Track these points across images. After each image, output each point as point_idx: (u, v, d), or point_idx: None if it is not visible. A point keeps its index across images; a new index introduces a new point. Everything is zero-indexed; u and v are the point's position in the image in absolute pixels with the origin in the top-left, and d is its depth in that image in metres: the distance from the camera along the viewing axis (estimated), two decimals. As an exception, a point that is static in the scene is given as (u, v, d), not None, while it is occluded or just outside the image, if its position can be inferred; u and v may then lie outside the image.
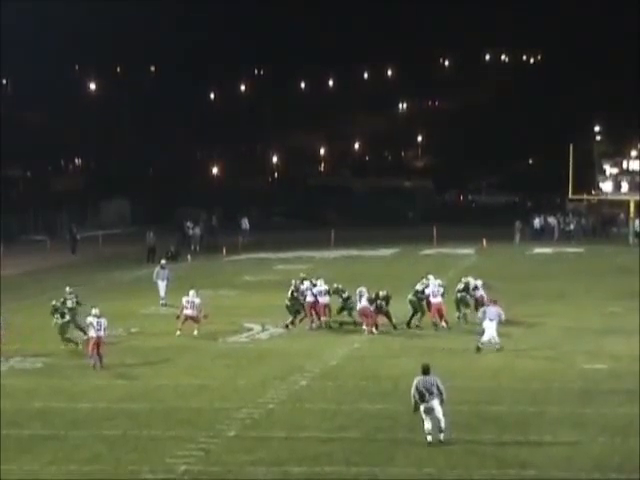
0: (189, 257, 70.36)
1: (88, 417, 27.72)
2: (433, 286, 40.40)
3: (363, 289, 40.88)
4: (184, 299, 40.25)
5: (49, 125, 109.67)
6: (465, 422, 26.64)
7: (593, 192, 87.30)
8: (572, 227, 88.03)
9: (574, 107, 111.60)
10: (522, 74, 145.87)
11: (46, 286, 55.59)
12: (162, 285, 47.83)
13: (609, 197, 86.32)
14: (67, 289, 39.98)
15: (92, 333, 34.87)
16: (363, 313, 40.28)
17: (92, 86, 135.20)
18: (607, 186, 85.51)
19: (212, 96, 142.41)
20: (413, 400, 24.37)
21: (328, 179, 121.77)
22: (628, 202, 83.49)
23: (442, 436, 24.10)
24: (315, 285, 41.64)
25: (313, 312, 40.96)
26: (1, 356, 35.30)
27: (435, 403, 24.13)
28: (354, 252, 66.30)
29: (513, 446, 24.49)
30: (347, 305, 41.72)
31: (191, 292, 40.46)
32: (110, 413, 28.06)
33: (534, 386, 30.60)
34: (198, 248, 76.38)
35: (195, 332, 39.67)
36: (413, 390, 24.37)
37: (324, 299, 41.19)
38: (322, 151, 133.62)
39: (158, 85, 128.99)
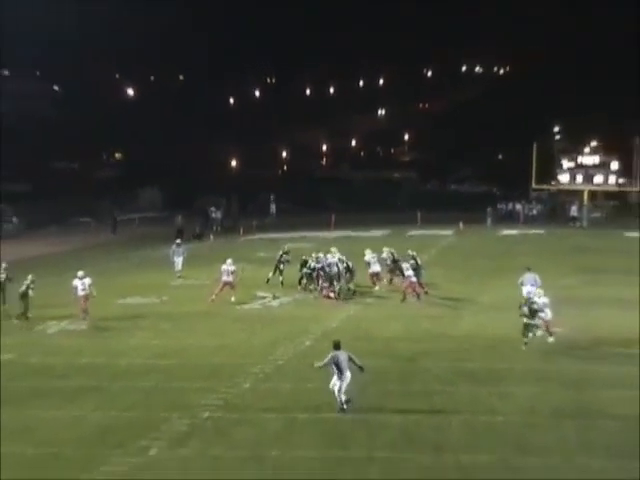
0: (211, 237, 70.46)
1: (126, 371, 27.78)
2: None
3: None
4: (223, 267, 40.26)
5: (94, 124, 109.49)
6: (444, 376, 26.69)
7: (553, 183, 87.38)
8: (535, 212, 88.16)
9: (537, 111, 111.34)
10: (493, 83, 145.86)
11: (90, 261, 55.58)
12: (178, 260, 47.64)
13: (566, 187, 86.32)
14: (2, 265, 38.94)
15: (80, 292, 35.99)
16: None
17: (130, 92, 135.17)
18: (564, 178, 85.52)
19: (231, 100, 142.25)
20: (323, 363, 23.44)
21: (329, 171, 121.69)
22: (582, 191, 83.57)
23: (344, 397, 23.00)
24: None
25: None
26: (81, 315, 35.95)
27: (347, 375, 23.04)
28: (351, 233, 66.25)
29: (484, 396, 24.52)
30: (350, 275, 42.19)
31: (228, 261, 40.47)
32: (145, 368, 28.11)
33: (503, 346, 30.61)
34: (219, 229, 76.34)
35: (232, 298, 39.72)
36: (329, 361, 23.23)
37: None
38: (324, 147, 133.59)
39: (185, 91, 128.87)
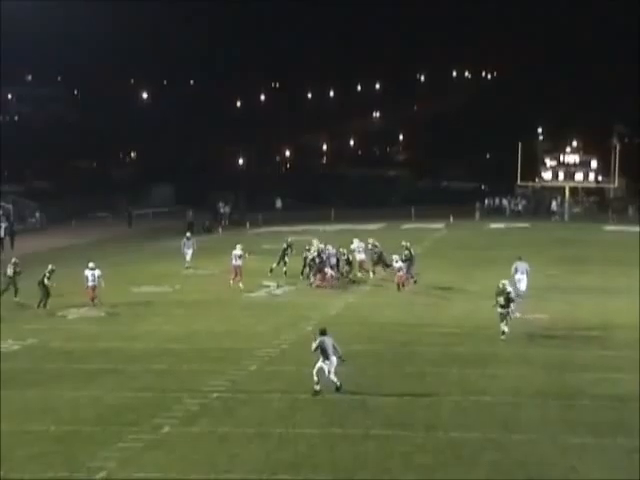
0: (220, 230, 70.47)
1: (141, 354, 27.75)
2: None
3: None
4: (233, 252, 40.52)
5: (111, 126, 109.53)
6: (435, 359, 26.68)
7: (536, 180, 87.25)
8: (520, 207, 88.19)
9: (523, 113, 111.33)
10: (482, 87, 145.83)
11: (107, 252, 55.57)
12: (188, 252, 47.23)
13: (549, 184, 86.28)
14: (13, 260, 38.38)
15: (89, 283, 36.04)
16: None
17: (144, 95, 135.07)
18: (547, 175, 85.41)
19: (238, 103, 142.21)
20: (313, 347, 23.28)
21: (329, 169, 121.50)
22: (564, 188, 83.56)
23: (338, 382, 22.87)
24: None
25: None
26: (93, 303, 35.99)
27: (333, 359, 22.90)
28: (349, 226, 66.14)
29: (473, 378, 24.51)
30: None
31: (238, 246, 40.61)
32: (158, 352, 28.08)
33: (490, 331, 30.55)
34: (227, 223, 76.34)
35: (241, 285, 39.85)
36: (316, 346, 23.12)
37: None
38: (325, 147, 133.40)
39: (196, 95, 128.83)
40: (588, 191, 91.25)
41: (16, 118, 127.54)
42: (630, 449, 18.96)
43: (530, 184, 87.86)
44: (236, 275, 40.26)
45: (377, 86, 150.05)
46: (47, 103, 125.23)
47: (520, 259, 38.27)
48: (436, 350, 27.91)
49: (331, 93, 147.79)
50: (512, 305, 29.55)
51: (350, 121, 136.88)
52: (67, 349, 28.69)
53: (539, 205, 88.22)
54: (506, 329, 29.12)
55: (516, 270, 37.61)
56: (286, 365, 25.83)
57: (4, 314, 33.82)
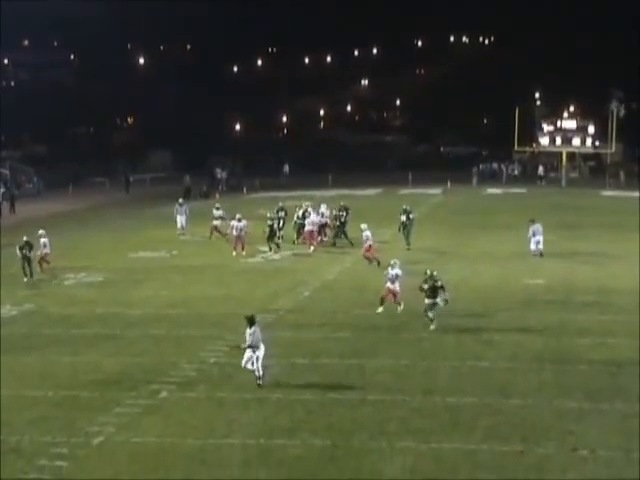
0: (217, 195, 70.34)
1: (139, 320, 27.75)
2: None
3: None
4: (232, 222, 40.58)
5: (108, 91, 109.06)
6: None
7: (534, 145, 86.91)
8: (517, 172, 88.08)
9: (520, 78, 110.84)
10: (480, 52, 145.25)
11: (105, 218, 55.59)
12: (180, 219, 46.82)
13: (546, 149, 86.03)
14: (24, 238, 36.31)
15: (42, 250, 35.54)
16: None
17: (142, 61, 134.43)
18: (544, 140, 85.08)
19: (235, 69, 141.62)
20: (245, 345, 21.14)
21: (327, 135, 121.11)
22: (561, 153, 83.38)
23: (260, 381, 20.86)
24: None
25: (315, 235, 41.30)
26: (61, 273, 35.41)
27: (260, 353, 20.93)
28: (346, 192, 66.00)
29: (470, 344, 24.52)
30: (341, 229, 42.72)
31: (237, 215, 40.55)
32: (156, 317, 28.08)
33: (486, 297, 30.59)
34: (225, 188, 76.27)
35: (234, 253, 39.68)
36: (248, 337, 21.07)
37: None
38: (322, 112, 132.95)
39: (194, 60, 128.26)
40: (585, 156, 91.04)
41: (13, 84, 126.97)
42: (627, 414, 18.98)
43: (527, 149, 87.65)
44: (237, 244, 40.03)
45: (375, 52, 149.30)
46: (44, 69, 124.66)
47: (533, 221, 38.93)
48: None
49: (329, 59, 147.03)
50: (440, 298, 26.14)
51: (348, 87, 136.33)
52: (65, 314, 28.68)
53: (535, 171, 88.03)
54: (431, 315, 26.04)
55: (534, 233, 38.45)
56: (283, 330, 25.81)
57: (1, 280, 33.74)
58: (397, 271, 28.02)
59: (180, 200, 48.91)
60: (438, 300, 26.11)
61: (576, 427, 18.26)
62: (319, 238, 42.44)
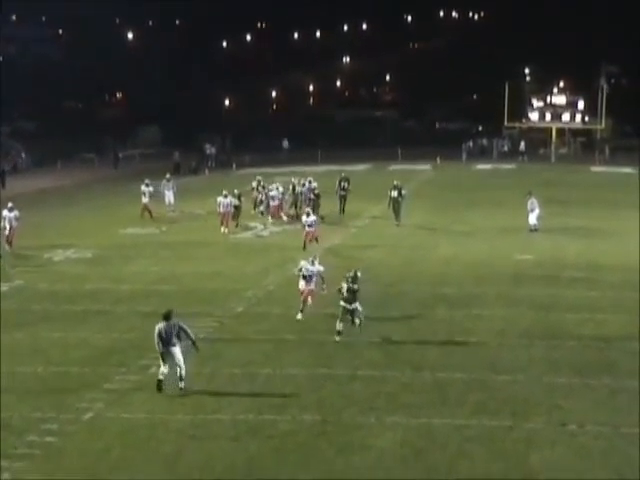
0: (207, 171, 70.35)
1: (128, 296, 27.75)
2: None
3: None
4: (218, 199, 40.39)
5: (96, 67, 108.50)
6: (422, 300, 26.76)
7: (524, 121, 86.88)
8: (506, 149, 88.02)
9: (510, 54, 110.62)
10: (469, 27, 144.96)
11: (93, 194, 55.48)
12: (168, 194, 46.61)
13: (536, 125, 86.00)
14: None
15: (10, 223, 35.32)
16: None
17: (130, 36, 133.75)
18: (534, 116, 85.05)
19: (224, 44, 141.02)
20: (157, 347, 19.15)
21: (316, 110, 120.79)
22: (550, 129, 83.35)
23: (181, 384, 19.01)
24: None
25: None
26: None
27: (176, 350, 19.00)
28: (336, 167, 65.81)
29: (460, 319, 24.60)
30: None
31: (224, 192, 40.48)
32: (145, 293, 28.08)
33: (476, 272, 30.68)
34: (214, 164, 76.14)
35: (222, 230, 39.61)
36: (156, 337, 19.14)
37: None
38: (311, 88, 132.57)
39: (183, 35, 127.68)
40: (576, 132, 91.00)
41: (1, 59, 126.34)
42: (615, 389, 19.08)
43: (517, 125, 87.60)
44: (227, 223, 39.94)
45: (364, 27, 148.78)
46: (32, 44, 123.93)
47: (530, 194, 39.46)
48: (423, 290, 27.98)
49: (317, 34, 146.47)
50: (358, 304, 22.85)
51: (337, 63, 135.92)
52: (54, 290, 28.66)
53: (526, 146, 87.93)
54: (341, 328, 22.57)
55: (532, 207, 38.82)
56: (273, 306, 25.85)
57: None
58: (317, 267, 25.07)
59: (167, 176, 48.75)
60: (357, 306, 22.68)
61: (565, 402, 18.36)
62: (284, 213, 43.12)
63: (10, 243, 35.33)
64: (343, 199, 44.49)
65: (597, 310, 25.34)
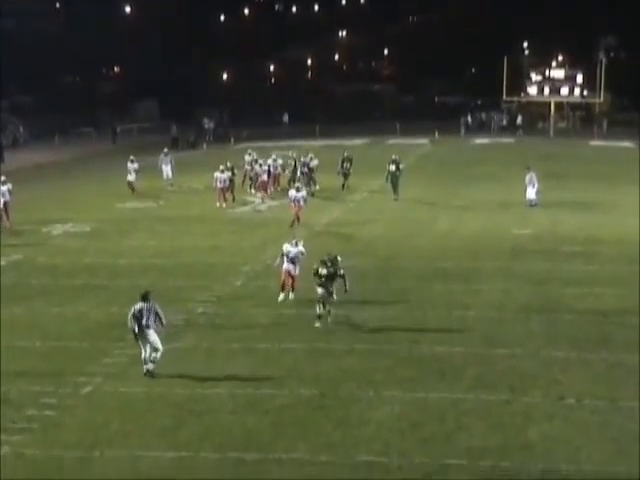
0: (205, 145, 70.23)
1: (126, 270, 27.73)
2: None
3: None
4: (215, 174, 40.23)
5: (95, 41, 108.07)
6: (421, 274, 26.76)
7: (522, 95, 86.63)
8: (505, 122, 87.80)
9: (509, 28, 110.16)
10: (468, 1, 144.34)
11: (91, 168, 55.41)
12: (166, 169, 46.55)
13: (534, 99, 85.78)
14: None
15: (2, 197, 35.10)
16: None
17: (127, 10, 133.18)
18: (533, 90, 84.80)
19: (222, 18, 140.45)
20: (130, 326, 18.67)
21: (314, 84, 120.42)
22: (549, 103, 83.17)
23: (150, 366, 18.49)
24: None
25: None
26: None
27: (151, 332, 18.49)
28: (334, 142, 65.81)
29: (458, 293, 24.58)
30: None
31: (221, 167, 40.33)
32: (143, 267, 28.06)
33: (475, 246, 30.67)
34: (212, 138, 76.03)
35: (217, 205, 39.57)
36: (130, 317, 18.64)
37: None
38: (310, 62, 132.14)
39: (180, 9, 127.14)
40: (575, 106, 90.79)
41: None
42: (612, 363, 19.09)
43: (515, 99, 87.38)
44: (224, 198, 39.89)
45: (362, 0, 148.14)
46: (29, 17, 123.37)
47: (529, 169, 39.35)
48: (421, 265, 27.96)
49: (316, 7, 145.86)
50: (332, 289, 21.74)
51: (335, 36, 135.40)
52: (52, 265, 28.66)
53: (525, 120, 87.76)
54: (321, 311, 21.68)
55: (532, 183, 38.89)
56: (271, 281, 25.78)
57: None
58: (300, 249, 23.97)
59: (165, 150, 48.65)
60: (333, 293, 21.67)
61: (563, 376, 18.36)
62: (271, 188, 43.31)
63: (7, 216, 35.24)
64: (345, 177, 44.01)
65: (595, 284, 25.33)
